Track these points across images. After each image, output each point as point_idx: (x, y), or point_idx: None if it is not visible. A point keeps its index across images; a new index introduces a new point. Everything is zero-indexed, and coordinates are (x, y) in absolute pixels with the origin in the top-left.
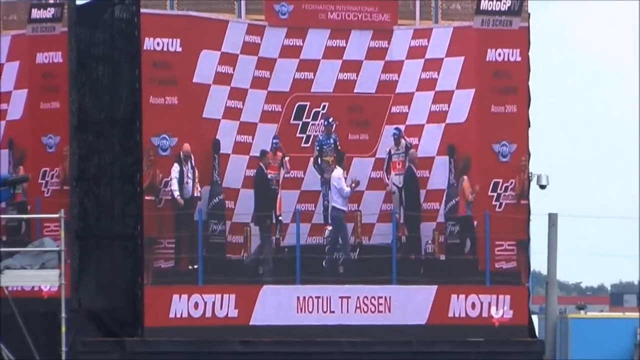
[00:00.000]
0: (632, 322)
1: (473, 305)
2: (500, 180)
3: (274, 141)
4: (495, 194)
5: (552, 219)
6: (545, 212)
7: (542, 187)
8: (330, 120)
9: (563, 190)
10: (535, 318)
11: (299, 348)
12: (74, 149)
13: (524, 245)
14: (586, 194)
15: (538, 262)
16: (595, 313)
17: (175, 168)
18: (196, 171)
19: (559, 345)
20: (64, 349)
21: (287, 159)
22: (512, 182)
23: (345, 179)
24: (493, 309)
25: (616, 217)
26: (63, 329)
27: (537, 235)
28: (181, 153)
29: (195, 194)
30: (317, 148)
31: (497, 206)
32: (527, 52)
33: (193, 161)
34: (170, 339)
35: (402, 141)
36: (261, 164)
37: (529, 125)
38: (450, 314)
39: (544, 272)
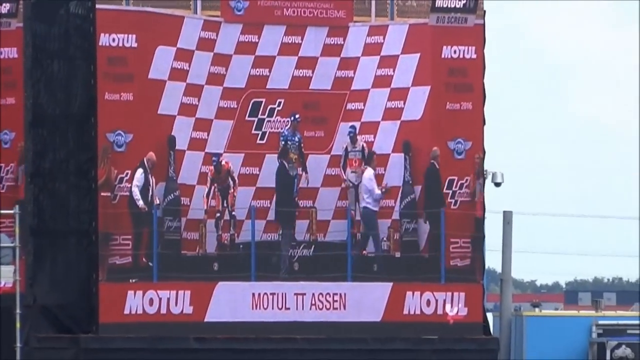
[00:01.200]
0: (586, 320)
1: (428, 303)
2: (456, 178)
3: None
4: (450, 192)
5: (507, 217)
6: (500, 209)
7: (497, 184)
8: (297, 116)
9: (518, 188)
10: (490, 316)
11: (254, 345)
12: (29, 144)
13: (478, 242)
14: (542, 191)
15: (493, 260)
16: (550, 311)
17: (139, 175)
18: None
19: (514, 343)
20: (18, 344)
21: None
22: (467, 180)
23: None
24: (448, 306)
25: (572, 215)
26: (18, 324)
27: (492, 232)
28: (145, 161)
29: (156, 202)
30: (282, 142)
31: (452, 203)
32: (482, 49)
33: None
34: (125, 336)
35: (358, 138)
36: (283, 161)
37: (484, 123)
38: (405, 311)
39: (499, 269)
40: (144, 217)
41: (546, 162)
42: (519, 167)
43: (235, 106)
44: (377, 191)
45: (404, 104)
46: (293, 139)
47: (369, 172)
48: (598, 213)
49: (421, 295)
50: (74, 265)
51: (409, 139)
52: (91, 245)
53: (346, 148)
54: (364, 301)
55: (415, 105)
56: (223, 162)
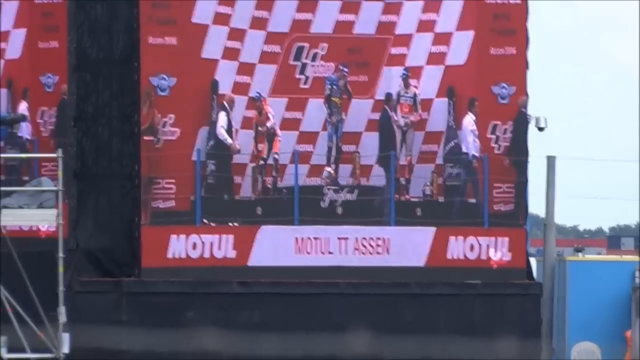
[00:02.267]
0: (629, 265)
1: (471, 247)
2: (499, 123)
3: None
4: (494, 136)
5: (551, 162)
6: (544, 154)
7: (541, 129)
8: (345, 69)
9: (562, 133)
10: (533, 260)
11: (297, 289)
12: (73, 88)
13: (521, 187)
14: (585, 136)
15: (536, 205)
16: (592, 256)
17: (222, 117)
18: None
19: (556, 288)
20: (61, 288)
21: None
22: (510, 125)
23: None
24: (491, 251)
25: (615, 160)
26: (60, 268)
27: (536, 178)
28: (225, 102)
29: (237, 144)
30: (328, 86)
31: (496, 148)
32: None
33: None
34: (168, 280)
35: (410, 82)
36: (386, 107)
37: (527, 68)
38: (449, 256)
39: (542, 214)
40: (185, 160)
41: (589, 107)
42: (562, 112)
43: (279, 50)
44: (471, 139)
45: (448, 48)
46: (337, 83)
47: (469, 118)
48: None
49: (464, 240)
50: (117, 209)
51: (452, 83)
52: (134, 189)
53: (398, 92)
54: (407, 246)
55: (459, 50)
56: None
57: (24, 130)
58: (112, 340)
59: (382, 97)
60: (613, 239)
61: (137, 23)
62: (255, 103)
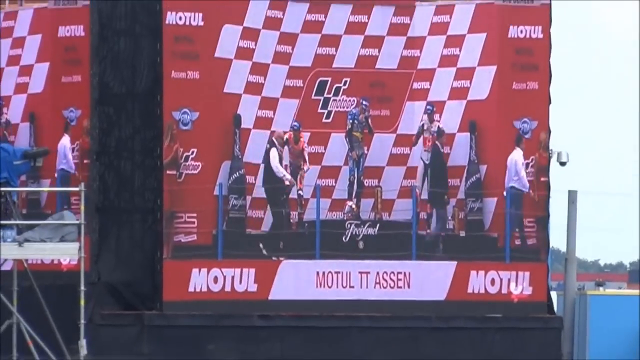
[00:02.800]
0: None
1: (492, 282)
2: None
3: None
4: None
5: (572, 196)
6: (565, 189)
7: (562, 164)
8: (365, 103)
9: (583, 168)
10: (554, 295)
11: (318, 322)
12: (95, 122)
13: (543, 222)
14: (606, 171)
15: (557, 239)
16: (614, 290)
17: (274, 153)
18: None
19: (577, 322)
20: (82, 321)
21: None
22: (532, 159)
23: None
24: (512, 285)
25: (636, 195)
26: (82, 302)
27: (557, 212)
28: (274, 138)
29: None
30: (350, 121)
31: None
32: (548, 28)
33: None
34: (190, 313)
35: (434, 118)
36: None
37: (549, 102)
38: (470, 290)
39: (563, 249)
40: (207, 195)
41: (611, 141)
42: (584, 147)
43: (302, 85)
44: (523, 173)
45: (470, 83)
46: (359, 117)
47: (518, 153)
48: None
49: (485, 275)
50: (139, 243)
51: (474, 118)
52: (156, 223)
53: (422, 126)
54: (428, 280)
55: (481, 85)
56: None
57: (64, 162)
58: None
59: (405, 132)
60: (634, 274)
61: (160, 57)
62: (295, 133)
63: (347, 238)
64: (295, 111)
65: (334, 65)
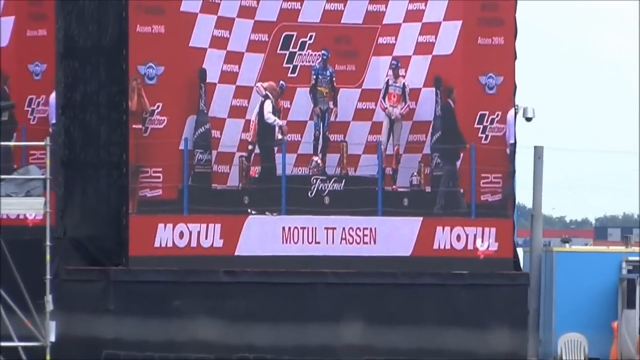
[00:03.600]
0: (616, 256)
1: (458, 238)
2: (487, 113)
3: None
4: (481, 126)
5: (538, 152)
6: (531, 144)
7: (528, 119)
8: (324, 52)
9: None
10: (520, 251)
11: (283, 278)
12: (60, 76)
13: (509, 177)
14: (573, 127)
15: (523, 196)
16: (579, 247)
17: (268, 104)
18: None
19: (544, 279)
20: (48, 277)
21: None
22: (498, 115)
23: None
24: (478, 241)
25: (602, 151)
26: (48, 257)
27: (523, 168)
28: (268, 92)
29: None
30: (314, 77)
31: (483, 138)
32: None
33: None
34: (155, 269)
35: (399, 72)
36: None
37: (515, 58)
38: (436, 246)
39: (529, 205)
40: (173, 149)
41: (577, 97)
42: (550, 102)
43: (267, 39)
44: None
45: (436, 38)
46: (324, 72)
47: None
48: (628, 149)
49: (451, 230)
50: (105, 198)
51: (440, 73)
52: (121, 177)
53: (387, 81)
54: (394, 236)
55: (447, 40)
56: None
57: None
58: (99, 328)
59: (370, 87)
60: (600, 230)
61: (125, 11)
62: (280, 91)
63: (313, 193)
64: (260, 66)
65: (299, 20)
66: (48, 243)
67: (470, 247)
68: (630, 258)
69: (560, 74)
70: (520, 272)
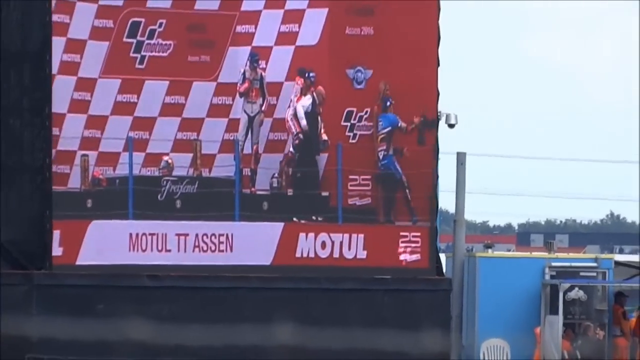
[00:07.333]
0: (539, 262)
1: (323, 245)
2: (355, 109)
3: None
4: (348, 124)
5: (461, 158)
6: (454, 151)
7: (451, 126)
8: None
9: (472, 130)
10: (442, 257)
11: (207, 283)
12: None
13: (433, 182)
14: (495, 133)
15: (445, 201)
16: (502, 252)
17: (307, 100)
18: None
19: (466, 284)
20: None
21: None
22: (366, 112)
23: None
24: (402, 250)
25: (524, 157)
26: None
27: (446, 173)
28: (314, 92)
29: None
30: None
31: (351, 137)
32: None
33: None
34: (79, 273)
35: (259, 64)
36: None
37: (438, 64)
38: (298, 254)
39: (452, 210)
40: None
41: (499, 103)
42: (473, 109)
43: (112, 26)
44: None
45: (299, 27)
46: None
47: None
48: (550, 155)
49: (315, 237)
50: (28, 202)
51: (304, 65)
52: (44, 182)
53: (244, 73)
54: (253, 243)
55: (312, 29)
56: None
57: None
58: (22, 331)
59: (227, 80)
60: (522, 236)
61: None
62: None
63: (163, 196)
64: (104, 55)
65: (148, 5)
66: None
67: (336, 255)
68: (554, 264)
69: (483, 79)
70: (443, 278)
